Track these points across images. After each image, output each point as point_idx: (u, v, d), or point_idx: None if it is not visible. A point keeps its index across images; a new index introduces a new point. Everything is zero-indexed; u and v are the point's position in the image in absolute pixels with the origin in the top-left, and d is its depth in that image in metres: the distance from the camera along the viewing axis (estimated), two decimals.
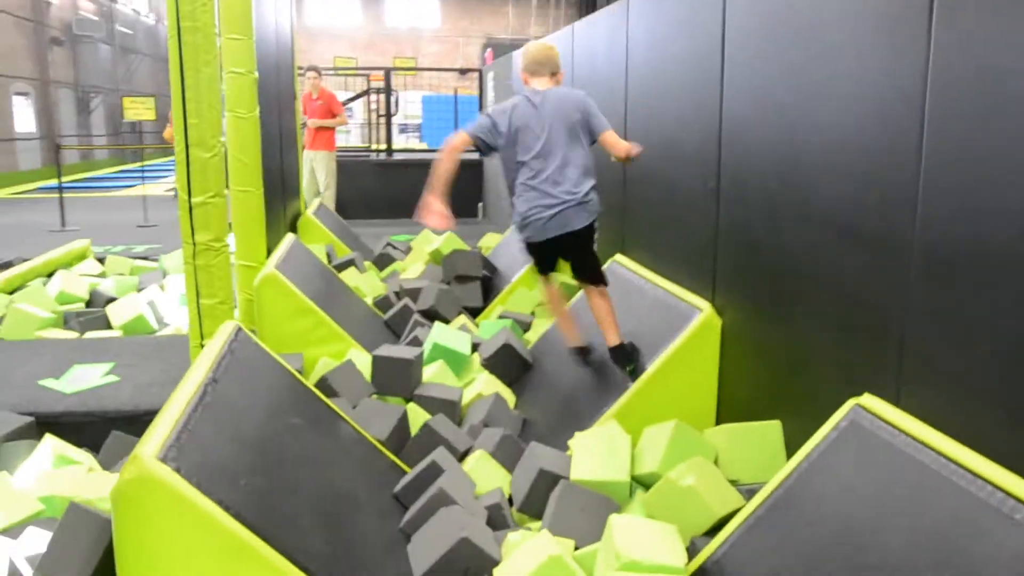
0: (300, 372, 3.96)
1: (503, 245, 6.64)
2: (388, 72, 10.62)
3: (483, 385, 3.86)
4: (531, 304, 5.19)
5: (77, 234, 8.74)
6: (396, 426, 3.28)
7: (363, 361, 3.96)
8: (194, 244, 3.32)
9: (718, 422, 3.21)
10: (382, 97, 11.34)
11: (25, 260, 6.70)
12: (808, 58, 2.51)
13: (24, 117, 19.66)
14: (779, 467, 2.45)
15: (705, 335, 3.17)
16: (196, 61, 3.19)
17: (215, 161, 3.28)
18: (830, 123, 2.40)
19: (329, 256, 6.10)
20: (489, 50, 11.90)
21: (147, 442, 2.01)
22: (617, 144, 3.32)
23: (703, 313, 3.18)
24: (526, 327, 4.80)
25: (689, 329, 3.18)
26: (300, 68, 7.75)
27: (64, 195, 10.47)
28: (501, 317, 5.00)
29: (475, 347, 4.29)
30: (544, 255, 3.63)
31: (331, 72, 12.60)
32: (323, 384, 3.61)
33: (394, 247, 7.44)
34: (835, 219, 2.41)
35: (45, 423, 3.52)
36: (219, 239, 3.34)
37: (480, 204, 10.05)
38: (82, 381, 3.94)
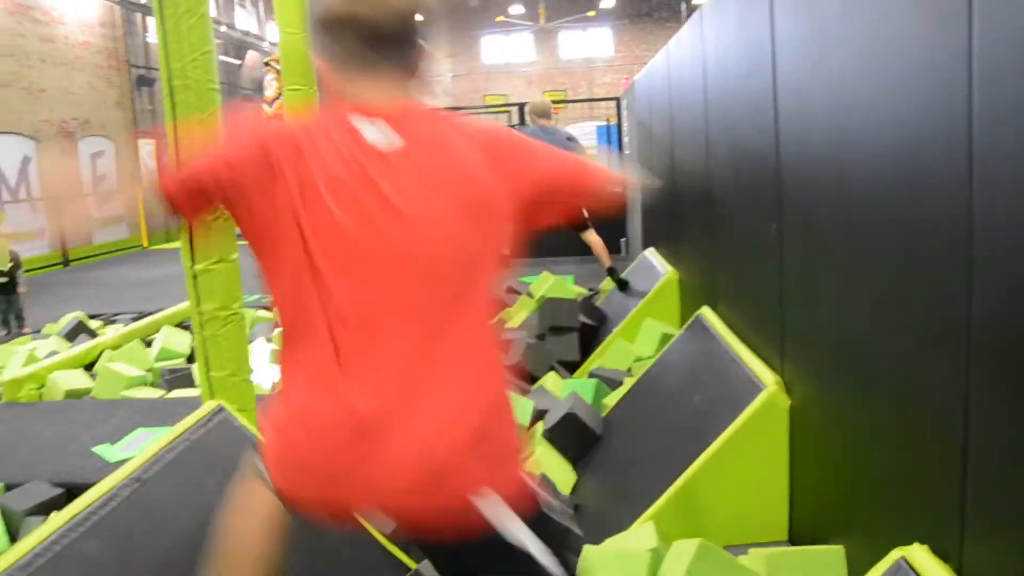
0: None
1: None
2: (521, 107, 10.35)
3: (537, 462, 3.35)
4: (628, 359, 4.62)
5: None
6: None
7: None
8: (200, 314, 3.06)
9: (791, 535, 2.53)
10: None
11: (160, 310, 6.91)
12: (856, 66, 1.88)
13: None
14: None
15: (768, 418, 2.52)
16: (190, 121, 2.95)
17: (218, 224, 3.01)
18: (880, 147, 1.76)
19: None
20: (626, 78, 11.37)
21: None
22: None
23: (766, 391, 2.54)
24: (617, 386, 4.25)
25: (747, 410, 2.54)
26: None
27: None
28: (591, 375, 4.47)
29: (543, 414, 3.79)
30: None
31: (476, 110, 12.54)
32: None
33: (515, 291, 7.06)
34: (886, 280, 1.75)
35: (78, 495, 3.39)
36: (226, 307, 3.07)
37: (623, 239, 9.50)
38: (134, 447, 3.82)
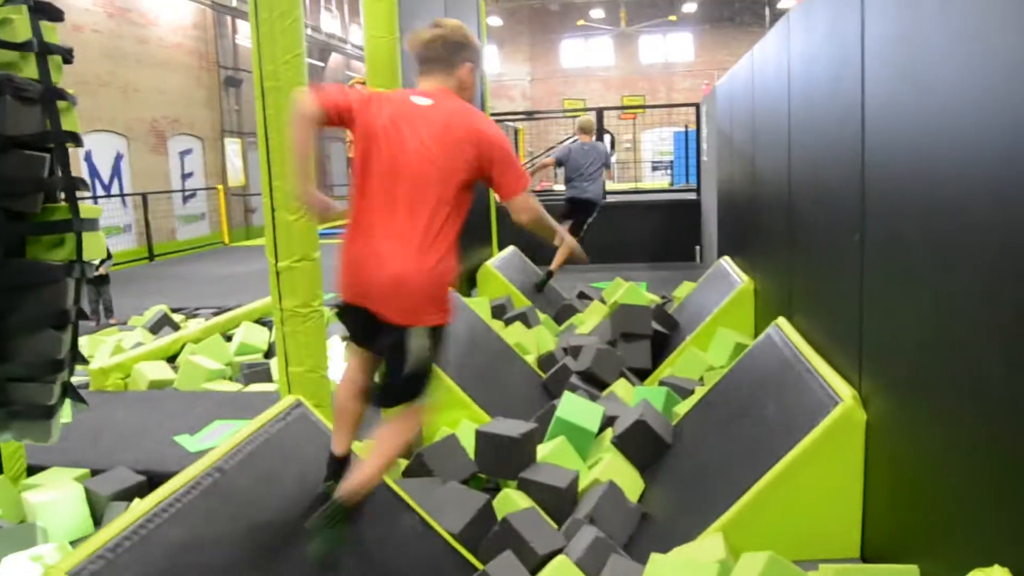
0: (415, 442, 3.69)
1: (695, 293, 6.03)
2: (600, 112, 10.31)
3: (606, 468, 3.35)
4: (700, 368, 4.58)
5: None
6: (474, 518, 2.88)
7: None
8: (282, 310, 3.16)
9: (864, 553, 2.48)
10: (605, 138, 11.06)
11: (239, 306, 7.12)
12: (951, 71, 1.83)
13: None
14: None
15: (843, 432, 2.47)
16: (279, 121, 3.04)
17: (301, 223, 3.10)
18: (971, 145, 1.71)
19: (504, 308, 5.84)
20: (706, 84, 11.20)
21: (83, 547, 1.81)
22: None
23: (842, 404, 2.49)
24: (688, 395, 4.21)
25: (822, 424, 2.50)
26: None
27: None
28: (662, 383, 4.44)
29: (612, 420, 3.78)
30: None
31: (555, 115, 12.53)
32: (416, 462, 3.30)
33: (587, 297, 7.05)
34: (972, 293, 1.71)
35: (159, 483, 3.52)
36: (307, 304, 3.16)
37: (698, 247, 9.40)
38: (212, 438, 3.95)
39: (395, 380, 2.42)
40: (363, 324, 2.44)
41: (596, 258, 9.51)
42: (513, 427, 3.36)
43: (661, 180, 21.87)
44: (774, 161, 4.01)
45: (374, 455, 2.42)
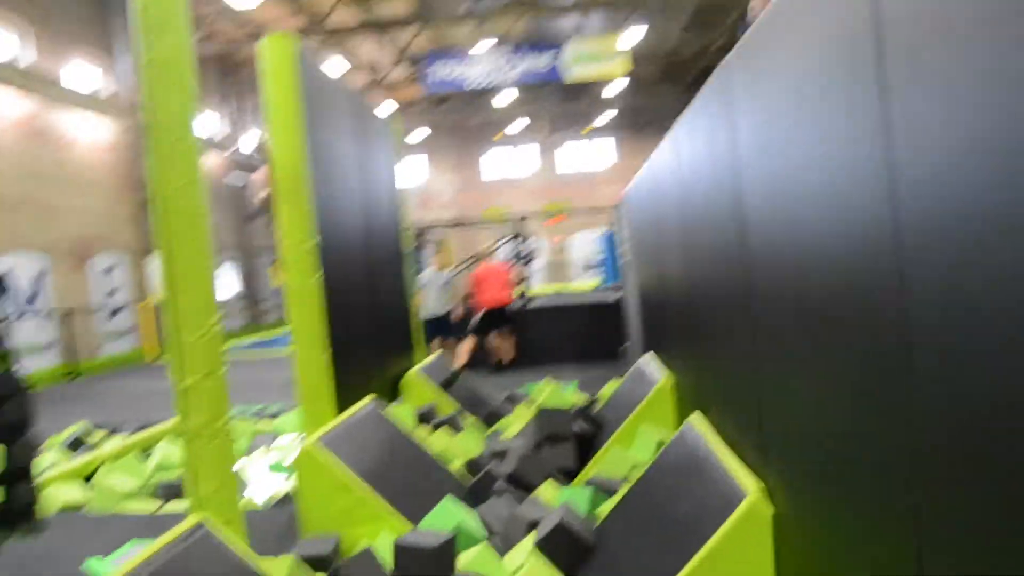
0: (333, 556, 3.59)
1: (620, 391, 6.07)
2: (522, 220, 10.57)
3: (528, 573, 3.29)
4: (625, 466, 4.58)
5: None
6: None
7: None
8: (188, 429, 3.09)
9: None
10: (530, 244, 11.30)
11: (162, 421, 6.92)
12: (805, 180, 1.95)
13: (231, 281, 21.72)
14: None
15: (750, 527, 2.49)
16: (180, 242, 3.05)
17: (205, 340, 3.08)
18: (830, 247, 1.81)
19: (428, 416, 5.79)
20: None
21: None
22: None
23: (748, 499, 2.52)
24: (614, 494, 4.19)
25: (729, 520, 2.52)
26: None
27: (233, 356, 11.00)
28: (589, 482, 4.42)
29: (535, 524, 3.74)
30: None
31: (479, 223, 12.77)
32: None
33: (516, 400, 7.05)
34: (843, 385, 1.78)
35: None
36: (213, 422, 3.10)
37: (625, 346, 9.52)
38: (126, 560, 3.77)
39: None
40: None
41: (528, 360, 9.61)
42: (431, 537, 3.30)
43: (595, 280, 22.44)
44: (676, 260, 4.15)
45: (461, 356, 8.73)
